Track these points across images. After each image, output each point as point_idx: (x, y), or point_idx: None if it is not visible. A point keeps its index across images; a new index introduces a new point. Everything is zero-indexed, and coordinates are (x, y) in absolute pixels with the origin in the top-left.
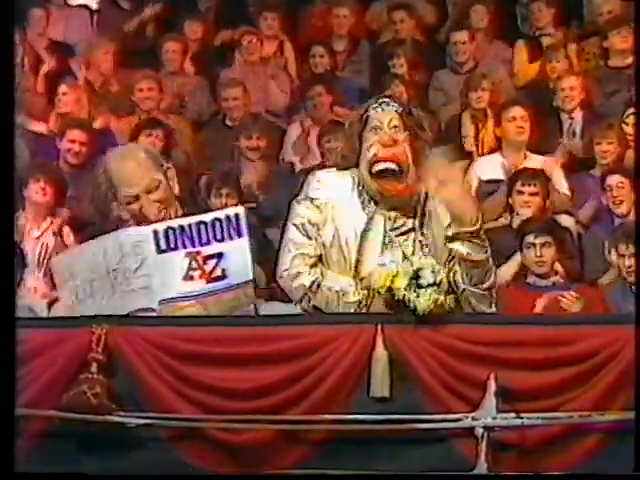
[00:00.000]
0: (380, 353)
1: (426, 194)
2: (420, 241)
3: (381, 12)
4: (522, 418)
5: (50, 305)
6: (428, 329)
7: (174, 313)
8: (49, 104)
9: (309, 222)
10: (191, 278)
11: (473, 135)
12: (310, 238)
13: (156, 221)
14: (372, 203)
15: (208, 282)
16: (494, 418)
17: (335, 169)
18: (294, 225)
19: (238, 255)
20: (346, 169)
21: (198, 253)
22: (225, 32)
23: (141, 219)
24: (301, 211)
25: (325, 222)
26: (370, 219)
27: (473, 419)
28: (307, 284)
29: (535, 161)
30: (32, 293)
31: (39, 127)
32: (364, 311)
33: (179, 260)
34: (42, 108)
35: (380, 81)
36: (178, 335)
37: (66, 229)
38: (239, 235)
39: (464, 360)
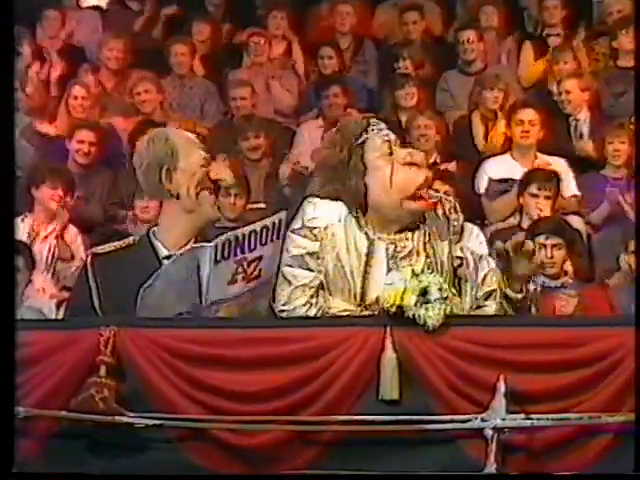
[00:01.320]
0: (389, 356)
1: (423, 216)
2: (427, 262)
3: (390, 13)
4: (532, 419)
5: (58, 306)
6: (437, 331)
7: (217, 314)
8: (60, 106)
9: (307, 253)
10: (235, 282)
11: (483, 135)
12: (310, 270)
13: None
14: (370, 228)
15: (248, 282)
16: (503, 419)
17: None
18: (292, 257)
19: (273, 254)
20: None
21: (245, 259)
22: (233, 33)
23: (206, 187)
24: (298, 241)
25: (325, 250)
26: (371, 244)
27: (482, 420)
28: (312, 314)
29: (545, 162)
30: (41, 294)
31: (49, 129)
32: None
33: (228, 267)
34: (52, 110)
35: (389, 82)
36: (187, 337)
37: (72, 231)
38: (278, 237)
39: (473, 362)
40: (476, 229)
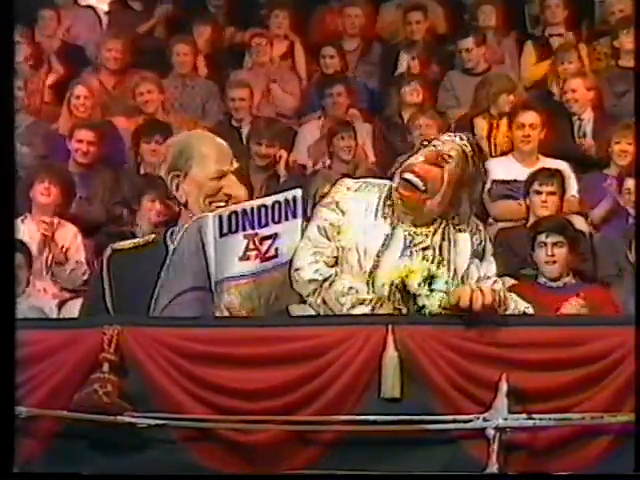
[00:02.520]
0: (391, 354)
1: (450, 221)
2: (439, 259)
3: (393, 13)
4: (534, 419)
5: (60, 306)
6: (439, 330)
7: (229, 291)
8: (60, 106)
9: (330, 224)
10: (247, 258)
11: (486, 135)
12: (329, 239)
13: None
14: (395, 217)
15: (262, 261)
16: (505, 419)
17: (364, 179)
18: (316, 226)
19: (291, 235)
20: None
21: (256, 235)
22: (235, 33)
23: (216, 200)
24: (324, 213)
25: (347, 227)
26: (392, 231)
27: (484, 420)
28: (320, 279)
29: (547, 163)
30: (42, 294)
31: (50, 129)
32: (374, 312)
33: (238, 241)
34: (52, 110)
35: (395, 80)
36: (189, 336)
37: (70, 232)
38: (294, 216)
39: (475, 361)
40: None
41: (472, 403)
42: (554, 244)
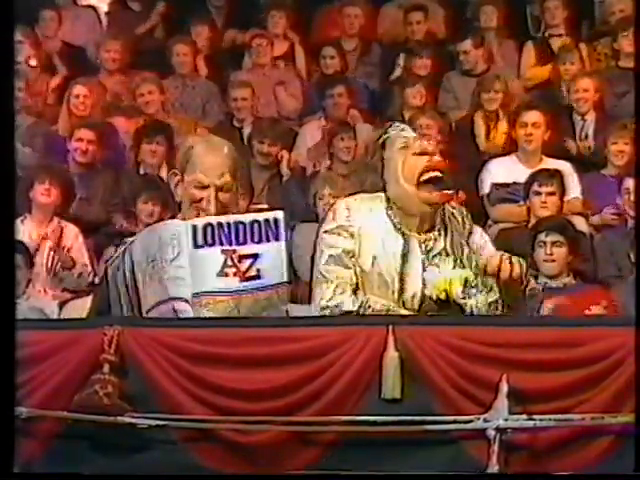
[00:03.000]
0: (391, 355)
1: (443, 212)
2: (460, 256)
3: (393, 13)
4: (534, 420)
5: (61, 306)
6: (439, 330)
7: (207, 306)
8: (60, 105)
9: (344, 251)
10: (225, 275)
11: (485, 135)
12: (347, 268)
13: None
14: (404, 226)
15: (242, 280)
16: (506, 420)
17: (360, 195)
18: (330, 256)
19: (274, 257)
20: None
21: (234, 251)
22: (235, 34)
23: (197, 209)
24: (334, 241)
25: (360, 249)
26: (406, 242)
27: (485, 421)
28: (355, 308)
29: (550, 164)
30: (42, 294)
31: (50, 129)
32: None
33: (215, 256)
34: (53, 110)
35: (398, 80)
36: (190, 336)
37: (71, 233)
38: (277, 239)
39: (475, 361)
40: (479, 230)
41: (472, 404)
42: (553, 243)
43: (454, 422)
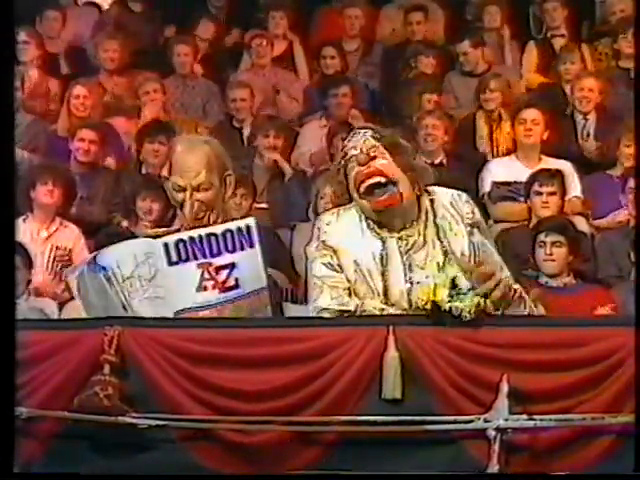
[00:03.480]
0: (392, 355)
1: (431, 206)
2: (444, 251)
3: (394, 14)
4: (534, 420)
5: (61, 306)
6: (440, 331)
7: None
8: (62, 105)
9: (329, 261)
10: (205, 289)
11: (487, 136)
12: (337, 272)
13: (192, 225)
14: (381, 229)
15: (221, 292)
16: (506, 420)
17: (337, 208)
18: (320, 263)
19: (250, 264)
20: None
21: (210, 264)
22: (235, 34)
23: (182, 210)
24: (319, 253)
25: (343, 261)
26: (384, 244)
27: (485, 421)
28: (352, 309)
29: (550, 164)
30: (43, 295)
31: (50, 128)
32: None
33: (191, 271)
34: (54, 110)
35: (404, 84)
36: (190, 337)
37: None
38: (251, 246)
39: (476, 362)
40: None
41: (473, 404)
42: (553, 243)
43: (454, 422)
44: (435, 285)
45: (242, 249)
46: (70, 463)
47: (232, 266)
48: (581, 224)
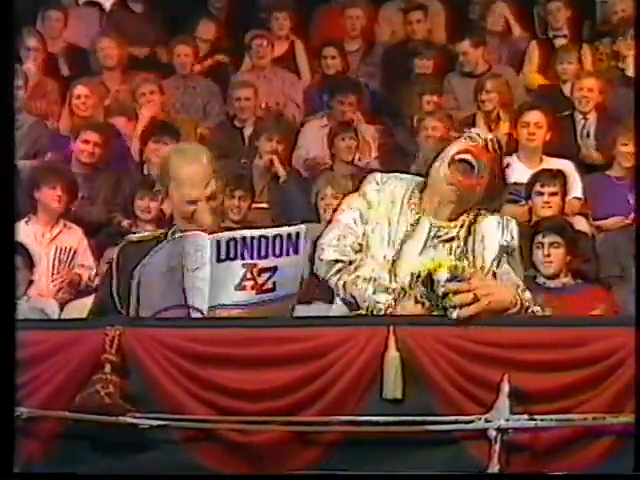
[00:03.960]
0: (392, 355)
1: (477, 214)
2: (462, 251)
3: (394, 14)
4: (535, 420)
5: (62, 306)
6: (440, 331)
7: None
8: (63, 106)
9: (359, 212)
10: (243, 288)
11: None
12: (357, 224)
13: (209, 230)
14: (422, 209)
15: (258, 293)
16: (507, 420)
17: (396, 174)
18: (348, 211)
19: (291, 270)
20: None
21: (255, 265)
22: (236, 35)
23: (192, 222)
24: (355, 202)
25: (373, 217)
26: (416, 222)
27: (486, 421)
28: (346, 260)
29: (551, 164)
30: (44, 295)
31: (52, 129)
32: (395, 302)
33: (235, 270)
34: (55, 110)
35: (393, 84)
36: (191, 337)
37: (76, 234)
38: (296, 252)
39: (477, 362)
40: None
41: (474, 404)
42: (551, 244)
43: (455, 422)
44: (440, 263)
45: (287, 254)
46: (70, 463)
47: (275, 269)
48: (581, 224)
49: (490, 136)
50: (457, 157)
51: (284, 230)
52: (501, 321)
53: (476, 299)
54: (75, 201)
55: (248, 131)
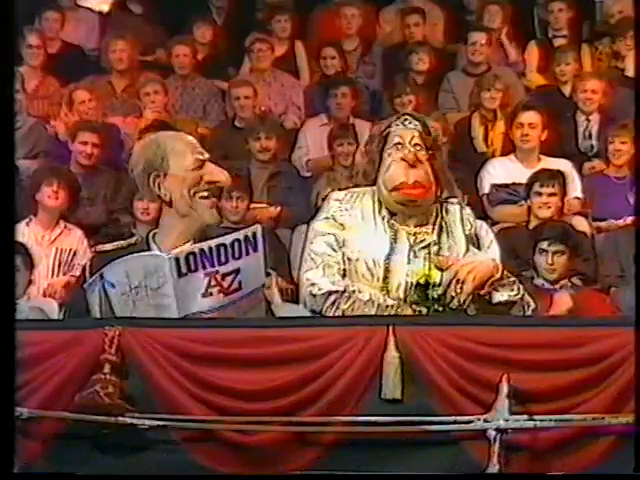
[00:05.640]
0: (392, 355)
1: (441, 207)
2: (439, 249)
3: (393, 16)
4: (535, 420)
5: (61, 307)
6: (440, 331)
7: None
8: (62, 107)
9: (334, 237)
10: (210, 294)
11: (482, 136)
12: (335, 251)
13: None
14: (394, 219)
15: (226, 295)
16: (506, 420)
17: (349, 189)
18: (321, 239)
19: (253, 267)
20: (366, 186)
21: (217, 272)
22: (236, 36)
23: (201, 188)
24: (325, 227)
25: (350, 239)
26: (395, 234)
27: (485, 421)
28: (341, 289)
29: (550, 164)
30: (44, 295)
31: (52, 130)
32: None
33: (199, 280)
34: (55, 111)
35: (394, 84)
36: (190, 337)
37: (76, 235)
38: (255, 250)
39: (476, 362)
40: (485, 225)
41: (473, 404)
42: (555, 252)
43: (454, 422)
44: (431, 266)
45: (247, 254)
46: (70, 463)
47: (237, 271)
48: (581, 224)
49: (407, 139)
50: (398, 197)
51: (241, 234)
52: (501, 321)
53: (463, 282)
54: (77, 203)
55: None
